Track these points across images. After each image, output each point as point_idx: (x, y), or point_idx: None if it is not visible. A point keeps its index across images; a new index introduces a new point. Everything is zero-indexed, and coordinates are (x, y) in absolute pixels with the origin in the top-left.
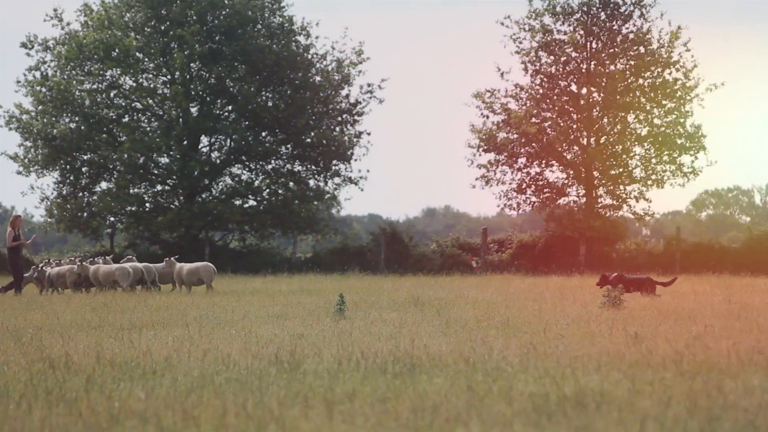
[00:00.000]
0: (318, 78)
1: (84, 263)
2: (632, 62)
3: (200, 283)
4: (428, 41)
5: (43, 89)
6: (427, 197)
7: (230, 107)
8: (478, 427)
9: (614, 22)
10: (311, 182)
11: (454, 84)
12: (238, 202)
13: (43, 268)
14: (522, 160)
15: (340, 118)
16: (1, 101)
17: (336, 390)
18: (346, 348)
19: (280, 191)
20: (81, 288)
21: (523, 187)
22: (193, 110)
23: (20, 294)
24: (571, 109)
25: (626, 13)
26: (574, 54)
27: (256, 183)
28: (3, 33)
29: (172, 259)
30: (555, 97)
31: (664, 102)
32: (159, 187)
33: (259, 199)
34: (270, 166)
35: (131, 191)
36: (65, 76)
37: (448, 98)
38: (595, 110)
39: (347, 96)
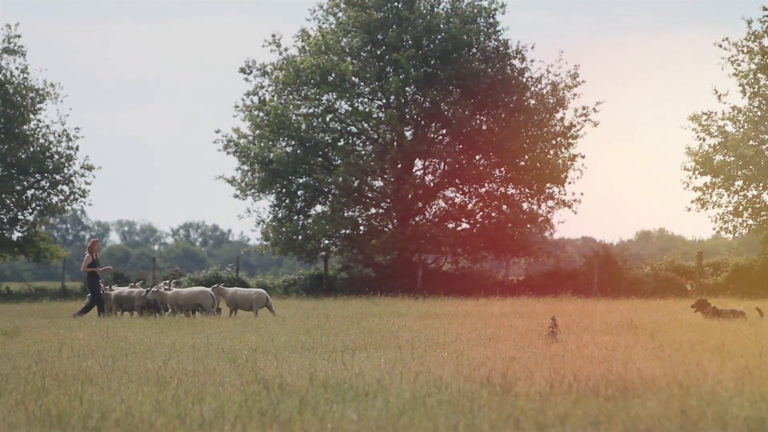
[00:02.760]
0: (533, 101)
1: (160, 289)
2: None
3: (249, 309)
4: (644, 64)
5: (261, 114)
6: (642, 220)
7: (444, 130)
8: None
9: None
10: (524, 205)
11: (669, 106)
12: (451, 225)
13: (107, 291)
14: (739, 183)
15: (554, 141)
16: (219, 126)
17: (548, 413)
18: (558, 371)
19: (493, 214)
20: (148, 312)
21: (740, 209)
22: (408, 134)
23: (104, 315)
24: None
25: None
26: None
27: (470, 206)
28: (223, 58)
29: (220, 286)
30: None
31: None
32: (373, 210)
33: (472, 221)
34: (483, 189)
35: (345, 214)
36: (282, 101)
37: (663, 121)
38: None
39: (562, 119)
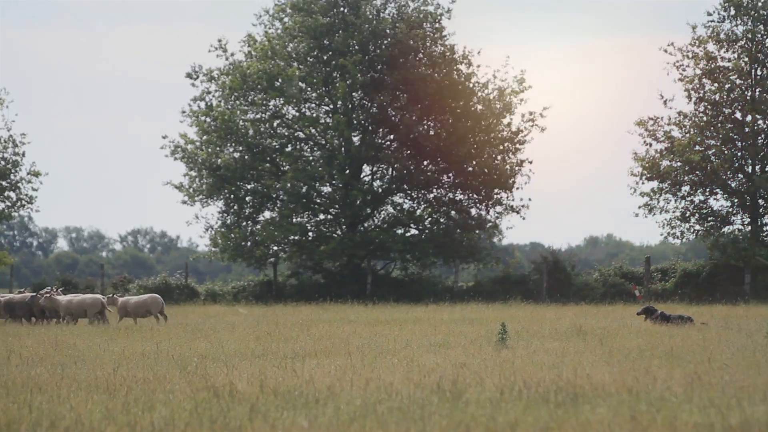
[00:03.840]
0: (480, 106)
1: (52, 295)
2: None
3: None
4: (590, 69)
5: (208, 119)
6: (590, 226)
7: (392, 136)
8: None
9: None
10: (473, 211)
11: (616, 112)
12: (400, 231)
13: None
14: (686, 188)
15: (501, 147)
16: (166, 131)
17: (498, 419)
18: (509, 377)
19: (441, 220)
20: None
21: (687, 215)
22: (355, 139)
23: None
24: (735, 136)
25: None
26: (738, 81)
27: (418, 212)
28: (170, 63)
29: (115, 296)
30: (719, 125)
31: None
32: (321, 216)
33: (420, 227)
34: (432, 195)
35: (294, 220)
36: (229, 106)
37: (610, 126)
38: (760, 138)
39: (509, 124)
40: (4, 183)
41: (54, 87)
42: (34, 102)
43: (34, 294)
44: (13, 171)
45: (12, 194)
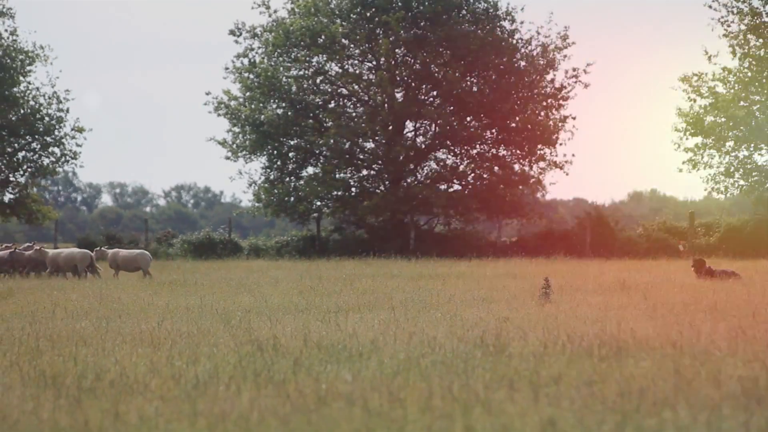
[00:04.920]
0: (523, 63)
1: (42, 249)
2: None
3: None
4: (634, 25)
5: (251, 76)
6: (633, 181)
7: (435, 92)
8: (685, 410)
9: None
10: (516, 166)
11: (660, 68)
12: (443, 187)
13: None
14: (730, 144)
15: (545, 103)
16: (210, 88)
17: (542, 373)
18: (552, 331)
19: (484, 176)
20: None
21: (731, 170)
22: (398, 96)
23: None
24: None
25: None
26: None
27: (461, 167)
28: (213, 20)
29: (102, 248)
30: (764, 80)
31: None
32: (364, 172)
33: (463, 183)
34: (475, 151)
35: (337, 176)
36: (272, 63)
37: (654, 82)
38: None
39: (552, 81)
40: (48, 139)
41: (98, 43)
42: (79, 58)
43: (13, 249)
44: (57, 127)
45: (56, 150)
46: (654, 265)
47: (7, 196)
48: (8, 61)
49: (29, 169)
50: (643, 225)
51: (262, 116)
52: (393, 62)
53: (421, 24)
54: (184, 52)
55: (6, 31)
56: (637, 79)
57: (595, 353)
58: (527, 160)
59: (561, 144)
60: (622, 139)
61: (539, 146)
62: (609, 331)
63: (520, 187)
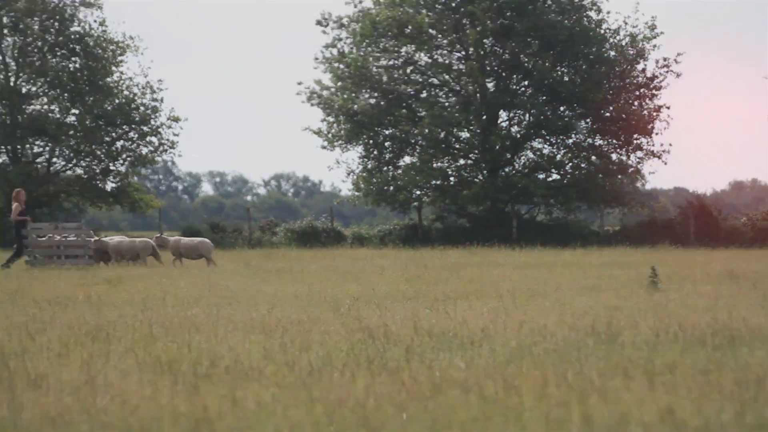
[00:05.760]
0: (612, 53)
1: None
2: None
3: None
4: (723, 14)
5: (341, 66)
6: (733, 170)
7: (526, 82)
8: None
9: None
10: (613, 156)
11: (755, 56)
12: (541, 176)
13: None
14: None
15: (637, 92)
16: (301, 77)
17: (656, 361)
18: (663, 320)
19: (582, 165)
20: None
21: None
22: (490, 85)
23: (8, 267)
24: None
25: None
26: None
27: (558, 157)
28: (300, 10)
29: (163, 235)
30: None
31: None
32: (462, 161)
33: (562, 173)
34: (570, 140)
35: (434, 165)
36: (361, 53)
37: (750, 70)
38: None
39: (643, 70)
40: (145, 128)
41: (189, 34)
42: (171, 49)
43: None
44: (152, 117)
45: (154, 139)
46: (761, 254)
47: (109, 185)
48: (99, 51)
49: (128, 159)
50: (747, 214)
51: (355, 106)
52: (482, 52)
53: (507, 14)
54: (277, 39)
55: (95, 21)
56: (733, 67)
57: (709, 342)
58: (624, 149)
59: (657, 133)
60: (720, 127)
61: (635, 136)
62: (721, 319)
63: (619, 176)
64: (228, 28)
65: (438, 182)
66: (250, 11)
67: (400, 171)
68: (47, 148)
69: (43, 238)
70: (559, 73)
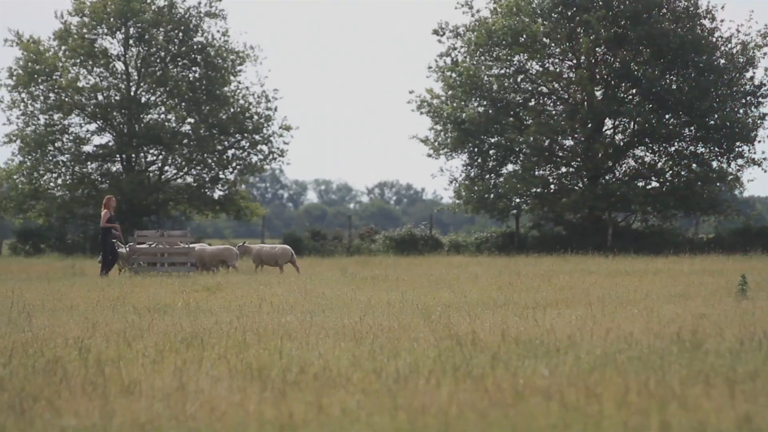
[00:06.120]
0: (722, 61)
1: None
2: None
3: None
4: None
5: (453, 74)
6: None
7: (634, 90)
8: None
9: None
10: (714, 164)
11: None
12: (641, 184)
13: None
14: None
15: (744, 100)
16: (413, 86)
17: (738, 369)
18: (749, 328)
19: (683, 173)
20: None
21: None
22: (598, 94)
23: (105, 275)
24: None
25: None
26: None
27: (659, 164)
28: (416, 20)
29: (245, 243)
30: None
31: None
32: (563, 169)
33: (661, 180)
34: (673, 148)
35: (536, 173)
36: (474, 62)
37: None
38: None
39: (752, 78)
40: (256, 137)
41: (304, 44)
42: (286, 59)
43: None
44: (265, 125)
45: (264, 147)
46: None
47: (217, 193)
48: (220, 61)
49: (238, 167)
50: None
51: (464, 114)
52: (593, 60)
53: (621, 23)
54: (388, 51)
55: (218, 32)
56: None
57: None
58: (725, 157)
59: (759, 141)
60: None
61: (737, 143)
62: None
63: (718, 184)
64: (340, 37)
65: (538, 190)
66: (363, 21)
67: (501, 179)
68: (160, 157)
69: (143, 245)
70: (668, 81)
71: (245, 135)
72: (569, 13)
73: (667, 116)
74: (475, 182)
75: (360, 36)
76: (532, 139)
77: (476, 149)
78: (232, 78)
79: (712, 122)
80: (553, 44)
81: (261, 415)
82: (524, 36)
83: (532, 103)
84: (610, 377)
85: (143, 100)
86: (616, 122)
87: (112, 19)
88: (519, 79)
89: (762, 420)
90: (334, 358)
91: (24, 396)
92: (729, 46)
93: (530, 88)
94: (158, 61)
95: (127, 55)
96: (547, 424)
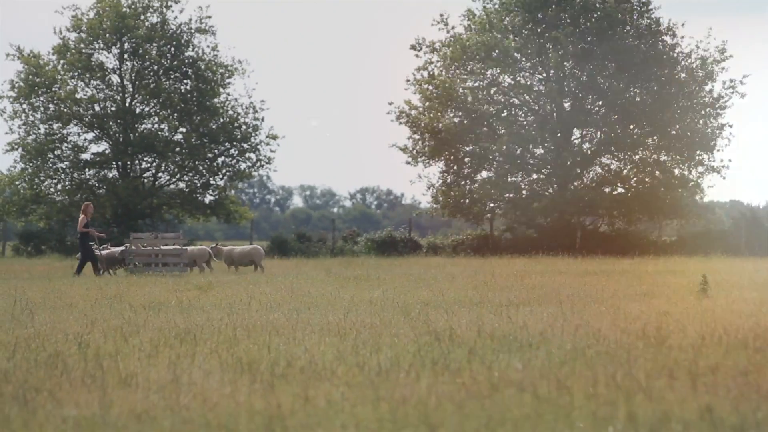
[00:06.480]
0: (683, 75)
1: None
2: None
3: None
4: None
5: (430, 87)
6: None
7: (600, 102)
8: None
9: None
10: (676, 171)
11: None
12: (607, 190)
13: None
14: None
15: (703, 112)
16: (392, 98)
17: (700, 363)
18: (709, 324)
19: (647, 179)
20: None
21: None
22: (566, 105)
23: (99, 275)
24: None
25: None
26: None
27: (624, 172)
28: (394, 36)
29: (218, 246)
30: None
31: None
32: (534, 176)
33: (627, 186)
34: (637, 156)
35: (509, 180)
36: (450, 75)
37: None
38: None
39: (710, 91)
40: (245, 145)
41: (289, 57)
42: (273, 71)
43: (125, 247)
44: (253, 134)
45: (252, 155)
46: None
47: (208, 198)
48: (209, 74)
49: (227, 173)
50: None
51: (440, 124)
52: (561, 74)
53: (588, 39)
54: (369, 65)
55: (208, 47)
56: None
57: (750, 345)
58: (686, 164)
59: (718, 150)
60: None
61: (698, 152)
62: (764, 324)
63: (680, 190)
64: (324, 52)
65: (510, 195)
66: (345, 37)
67: (476, 185)
68: (154, 164)
69: (136, 247)
70: (632, 93)
71: (234, 143)
72: (539, 30)
73: (631, 126)
74: (452, 188)
75: (343, 51)
76: (504, 147)
77: (452, 157)
78: (221, 90)
79: (674, 132)
80: (524, 59)
81: (251, 406)
82: (497, 51)
83: (505, 114)
84: (580, 370)
85: (138, 110)
86: (584, 132)
87: (107, 35)
88: (492, 92)
89: (722, 410)
90: (319, 352)
91: (27, 388)
92: (689, 61)
93: (503, 100)
94: (152, 74)
95: (122, 69)
96: (520, 415)
